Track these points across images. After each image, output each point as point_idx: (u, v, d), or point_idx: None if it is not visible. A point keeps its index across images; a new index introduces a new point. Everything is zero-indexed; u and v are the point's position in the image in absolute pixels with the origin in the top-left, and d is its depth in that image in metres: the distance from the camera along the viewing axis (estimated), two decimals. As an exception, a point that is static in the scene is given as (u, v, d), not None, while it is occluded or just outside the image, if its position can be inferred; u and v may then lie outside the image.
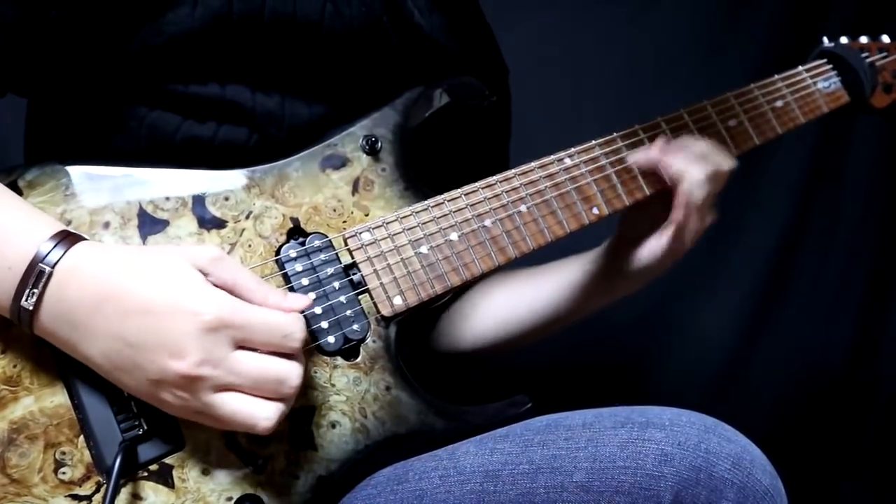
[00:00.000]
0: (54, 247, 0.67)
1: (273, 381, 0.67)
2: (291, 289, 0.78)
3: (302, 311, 0.71)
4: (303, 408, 0.76)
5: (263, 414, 0.67)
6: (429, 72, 0.92)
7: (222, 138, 0.83)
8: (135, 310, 0.65)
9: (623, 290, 1.00)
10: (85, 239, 0.69)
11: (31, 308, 0.66)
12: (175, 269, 0.67)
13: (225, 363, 0.65)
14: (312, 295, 0.78)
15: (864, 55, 1.14)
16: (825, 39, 1.16)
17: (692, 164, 0.90)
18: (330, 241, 0.81)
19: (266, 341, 0.67)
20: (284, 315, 0.69)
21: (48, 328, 0.67)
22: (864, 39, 1.16)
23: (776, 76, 1.07)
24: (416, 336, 1.05)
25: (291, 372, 0.68)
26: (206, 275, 0.68)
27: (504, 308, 1.06)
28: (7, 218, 0.69)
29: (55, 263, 0.66)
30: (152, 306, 0.65)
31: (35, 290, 0.66)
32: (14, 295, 0.66)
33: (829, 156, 1.75)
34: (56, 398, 0.71)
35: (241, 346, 0.67)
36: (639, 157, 0.92)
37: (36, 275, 0.66)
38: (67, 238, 0.68)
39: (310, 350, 0.78)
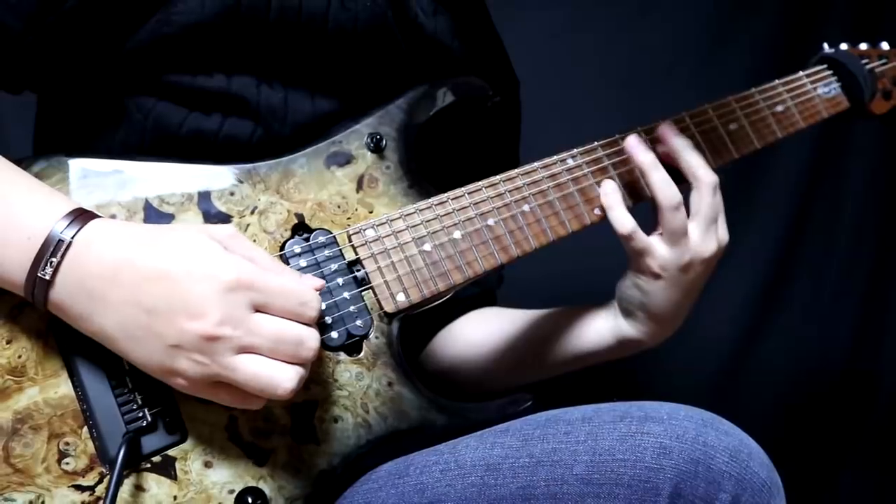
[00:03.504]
0: (72, 221, 0.68)
1: (292, 343, 0.68)
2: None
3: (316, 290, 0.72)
4: (305, 402, 0.77)
5: (284, 376, 0.67)
6: (433, 71, 0.93)
7: (226, 132, 0.84)
8: (152, 276, 0.66)
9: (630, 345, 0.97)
10: (100, 216, 0.70)
11: (47, 278, 0.66)
12: (192, 238, 0.68)
13: (245, 323, 0.66)
14: (316, 291, 0.79)
15: (864, 62, 1.15)
16: (825, 46, 1.17)
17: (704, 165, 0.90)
18: (334, 237, 0.82)
19: (283, 306, 0.68)
20: (302, 284, 0.70)
21: (62, 300, 0.68)
22: (864, 46, 1.18)
23: (777, 81, 1.08)
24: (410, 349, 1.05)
25: (310, 335, 0.69)
26: (225, 248, 0.69)
27: (497, 343, 1.05)
28: (26, 194, 0.70)
29: (75, 234, 0.67)
30: (170, 271, 0.66)
31: (53, 260, 0.66)
32: (31, 266, 0.67)
33: (829, 156, 1.76)
34: (61, 389, 0.72)
35: (258, 311, 0.68)
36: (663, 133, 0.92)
37: (55, 244, 0.66)
38: (84, 214, 0.69)
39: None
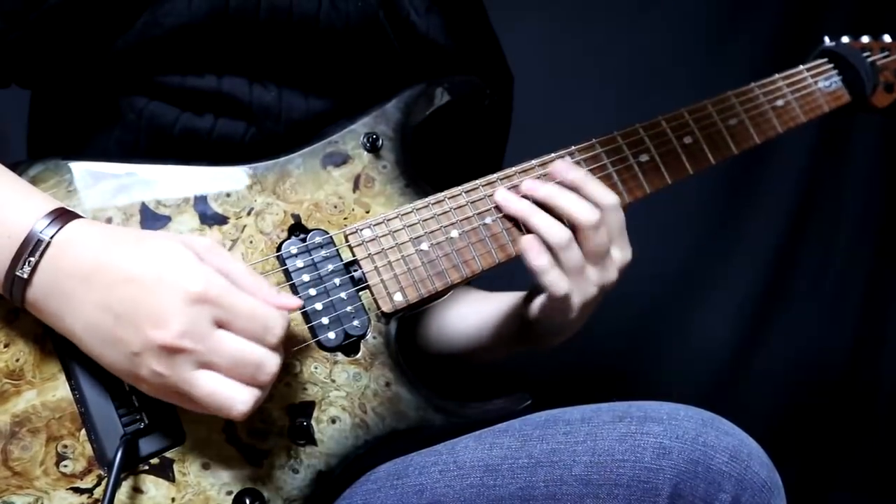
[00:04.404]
0: (52, 221, 0.68)
1: (252, 365, 0.67)
2: (293, 286, 0.79)
3: (290, 311, 0.71)
4: (303, 403, 0.77)
5: (240, 397, 0.66)
6: (427, 69, 0.92)
7: (219, 132, 0.84)
8: (122, 280, 0.66)
9: (534, 340, 0.94)
10: (81, 217, 0.70)
11: (25, 277, 0.67)
12: (167, 246, 0.68)
13: (207, 339, 0.65)
14: (314, 291, 0.79)
15: (865, 54, 1.14)
16: (826, 39, 1.16)
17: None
18: (331, 237, 0.81)
19: (246, 328, 0.67)
20: (269, 308, 0.69)
21: (38, 299, 0.68)
22: (865, 39, 1.17)
23: (777, 75, 1.07)
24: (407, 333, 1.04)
25: (270, 359, 0.68)
26: (199, 260, 0.68)
27: (455, 322, 1.05)
28: (6, 192, 0.70)
29: (54, 235, 0.67)
30: (139, 277, 0.66)
31: (31, 259, 0.67)
32: (10, 264, 0.67)
33: (829, 156, 1.75)
34: (58, 392, 0.72)
35: (221, 327, 0.67)
36: (499, 198, 0.86)
37: (34, 244, 0.67)
38: (64, 214, 0.69)
39: (310, 346, 0.78)
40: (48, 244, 0.67)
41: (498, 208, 0.86)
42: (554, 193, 0.85)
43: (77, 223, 0.69)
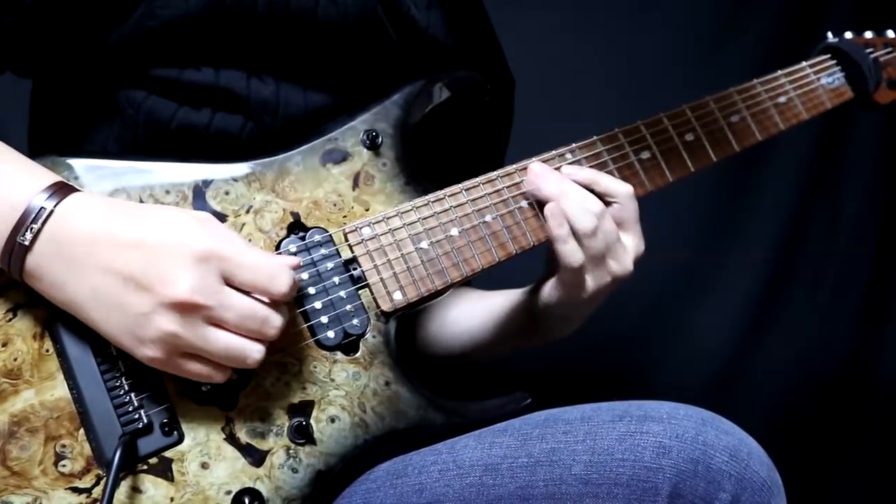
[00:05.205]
0: (53, 193, 0.69)
1: (258, 321, 0.69)
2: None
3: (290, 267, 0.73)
4: (302, 402, 0.77)
5: (253, 347, 0.69)
6: (428, 65, 0.92)
7: (217, 127, 0.84)
8: (128, 244, 0.67)
9: (539, 333, 0.95)
10: (80, 190, 0.71)
11: (26, 244, 0.68)
12: (169, 213, 0.70)
13: (217, 294, 0.68)
14: (313, 290, 0.79)
15: (868, 51, 1.13)
16: (830, 35, 1.16)
17: (570, 184, 0.85)
18: (330, 235, 0.81)
19: (253, 280, 0.69)
20: (273, 259, 0.71)
21: (38, 266, 0.68)
22: (869, 35, 1.16)
23: (779, 72, 1.07)
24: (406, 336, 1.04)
25: (275, 314, 0.70)
26: (200, 224, 0.70)
27: (456, 320, 1.06)
28: (10, 165, 0.71)
29: (56, 204, 0.68)
30: (145, 240, 0.67)
31: (34, 226, 0.68)
32: (10, 232, 0.68)
33: (829, 156, 1.75)
34: (56, 391, 0.72)
35: (229, 283, 0.69)
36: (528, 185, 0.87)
37: (36, 212, 0.68)
38: (65, 188, 0.70)
39: (309, 344, 0.78)
40: (51, 213, 0.68)
41: (497, 206, 0.86)
42: (595, 175, 0.88)
43: (77, 195, 0.70)
